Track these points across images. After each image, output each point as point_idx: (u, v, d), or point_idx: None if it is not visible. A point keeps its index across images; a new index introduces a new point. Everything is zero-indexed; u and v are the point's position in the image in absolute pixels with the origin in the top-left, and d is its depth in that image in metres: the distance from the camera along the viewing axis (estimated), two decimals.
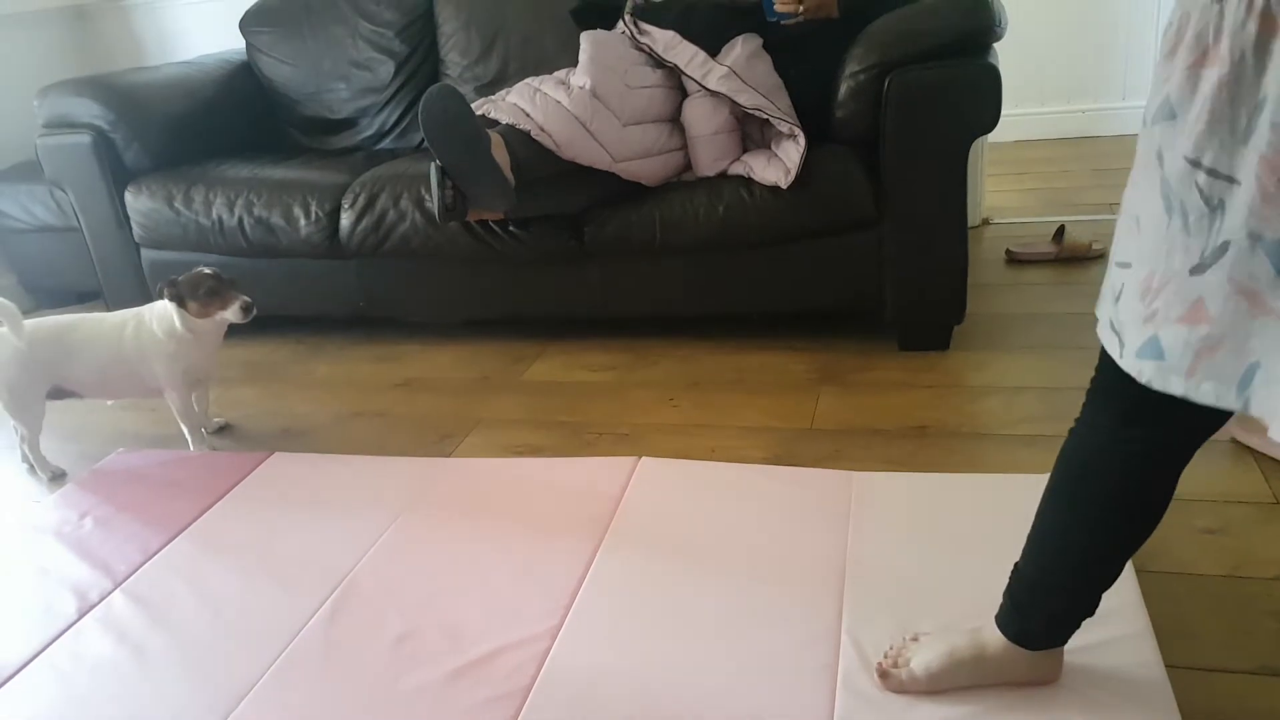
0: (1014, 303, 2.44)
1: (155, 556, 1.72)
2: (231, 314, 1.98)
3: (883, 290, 2.17)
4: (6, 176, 3.04)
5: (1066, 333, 2.23)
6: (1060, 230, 2.69)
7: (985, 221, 3.03)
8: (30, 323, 2.00)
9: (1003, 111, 2.02)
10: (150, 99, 2.77)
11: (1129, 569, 1.38)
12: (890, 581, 1.44)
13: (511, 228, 2.31)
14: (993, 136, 2.18)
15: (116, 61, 3.59)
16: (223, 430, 2.25)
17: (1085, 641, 1.22)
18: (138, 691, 1.40)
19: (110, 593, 1.63)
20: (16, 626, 1.57)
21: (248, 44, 3.07)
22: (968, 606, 1.33)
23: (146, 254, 2.70)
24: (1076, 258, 2.64)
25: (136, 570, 1.68)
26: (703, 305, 2.34)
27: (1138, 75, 3.73)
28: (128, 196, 2.65)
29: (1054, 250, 2.66)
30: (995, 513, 1.57)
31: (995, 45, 2.09)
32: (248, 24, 3.06)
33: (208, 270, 2.01)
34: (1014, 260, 2.70)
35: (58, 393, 2.07)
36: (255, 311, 1.99)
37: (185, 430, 2.13)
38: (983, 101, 2.00)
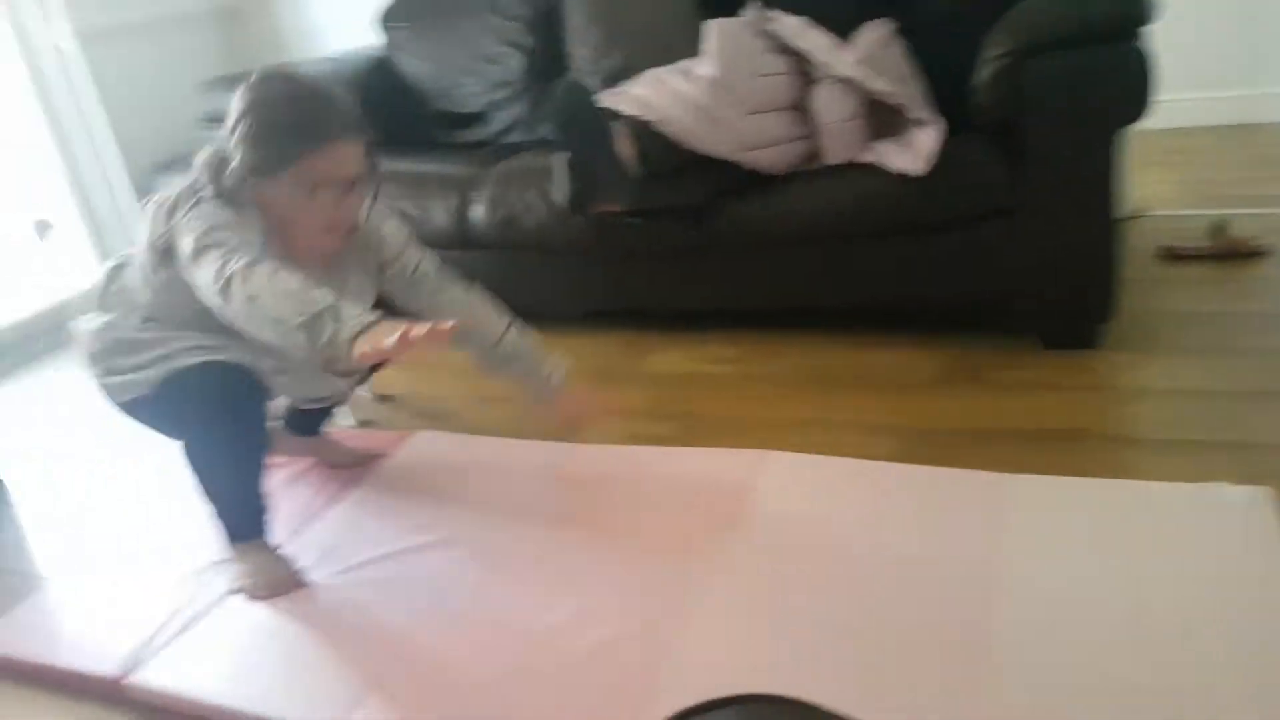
0: (1168, 301, 2.29)
1: (315, 522, 1.82)
2: None
3: (1024, 284, 2.06)
4: (168, 168, 3.22)
5: (1226, 334, 2.07)
6: (1219, 224, 2.50)
7: (1136, 214, 2.85)
8: None
9: (1156, 98, 1.89)
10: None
11: None
12: (1037, 597, 1.36)
13: (635, 219, 2.31)
14: (1145, 123, 2.04)
15: (263, 58, 3.77)
16: (383, 400, 2.36)
17: None
18: (293, 650, 1.48)
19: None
20: (179, 587, 1.68)
21: (386, 40, 3.17)
22: (1120, 629, 1.26)
23: None
24: (1237, 254, 2.45)
25: (296, 535, 1.78)
26: (828, 297, 2.28)
27: None
28: None
29: (1212, 246, 2.48)
30: (1150, 524, 1.47)
31: (1148, 28, 1.96)
32: (387, 20, 3.16)
33: None
34: (1168, 256, 2.53)
35: None
36: None
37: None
38: (1131, 89, 1.87)
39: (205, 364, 1.49)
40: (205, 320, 1.46)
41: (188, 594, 1.65)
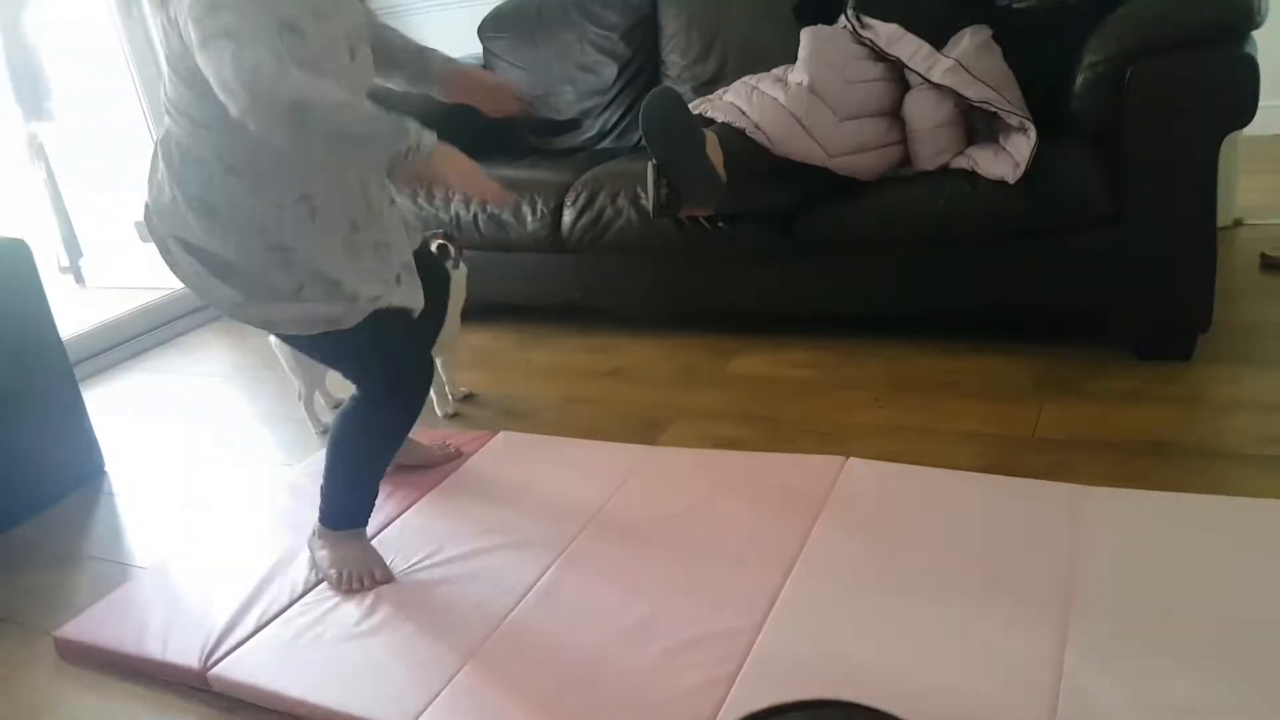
0: (1269, 312, 2.23)
1: (395, 521, 1.87)
2: (434, 249, 2.05)
3: (1118, 293, 2.04)
4: None
5: None
6: None
7: (1237, 222, 2.77)
8: None
9: (1264, 103, 1.85)
10: (397, 100, 2.99)
11: None
12: (1121, 614, 1.34)
13: (722, 224, 2.35)
14: (1250, 130, 1.99)
15: None
16: (467, 399, 2.43)
17: None
18: (372, 646, 1.53)
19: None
20: (266, 581, 1.74)
21: (484, 49, 3.27)
22: (1207, 651, 1.24)
23: None
24: None
25: (379, 533, 1.83)
26: (917, 303, 2.28)
27: None
28: None
29: None
30: (1244, 541, 1.45)
31: (1255, 33, 1.92)
32: (485, 30, 3.26)
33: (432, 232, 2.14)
34: (1269, 266, 2.45)
35: None
36: (452, 252, 2.10)
37: (431, 395, 2.31)
38: (1235, 95, 1.83)
39: (412, 340, 1.56)
40: (286, 174, 1.43)
41: (274, 587, 1.70)
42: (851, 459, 1.83)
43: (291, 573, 1.74)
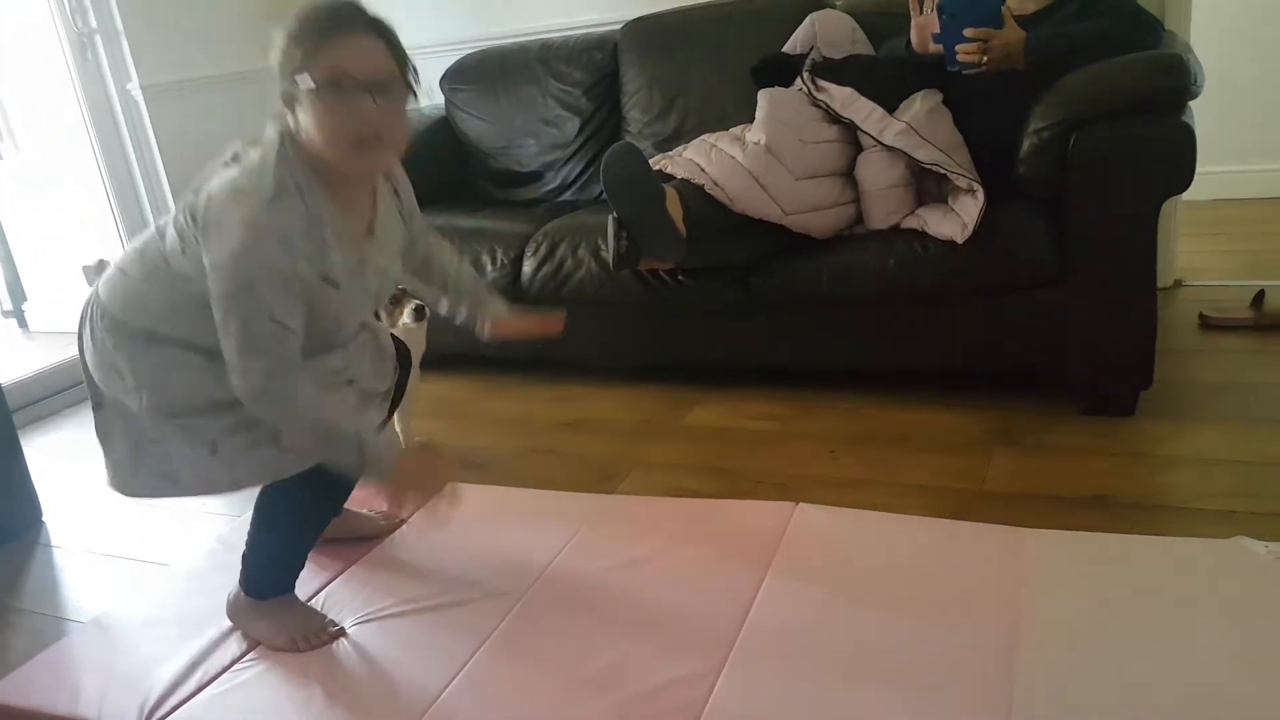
0: (1207, 370, 2.30)
1: (343, 574, 1.84)
2: (407, 316, 2.13)
3: (1064, 352, 2.10)
4: None
5: (1266, 404, 2.08)
6: (1260, 295, 2.52)
7: (1177, 283, 2.87)
8: None
9: (1201, 169, 1.93)
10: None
11: None
12: (1064, 650, 1.38)
13: (681, 277, 2.38)
14: (1189, 194, 2.08)
15: None
16: None
17: None
18: (321, 704, 1.50)
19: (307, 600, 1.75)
20: (209, 638, 1.69)
21: (446, 100, 3.30)
22: (1152, 683, 1.28)
23: None
24: (1277, 325, 2.47)
25: (325, 587, 1.80)
26: (870, 359, 2.32)
27: None
28: None
29: (1252, 316, 2.50)
30: (1182, 580, 1.50)
31: (1193, 102, 2.01)
32: (448, 81, 3.29)
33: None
34: (1208, 325, 2.54)
35: None
36: (428, 314, 2.14)
37: None
38: (1175, 162, 1.92)
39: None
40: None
41: (216, 644, 1.65)
42: (801, 504, 1.85)
43: (229, 634, 1.69)
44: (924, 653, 1.42)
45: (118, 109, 3.34)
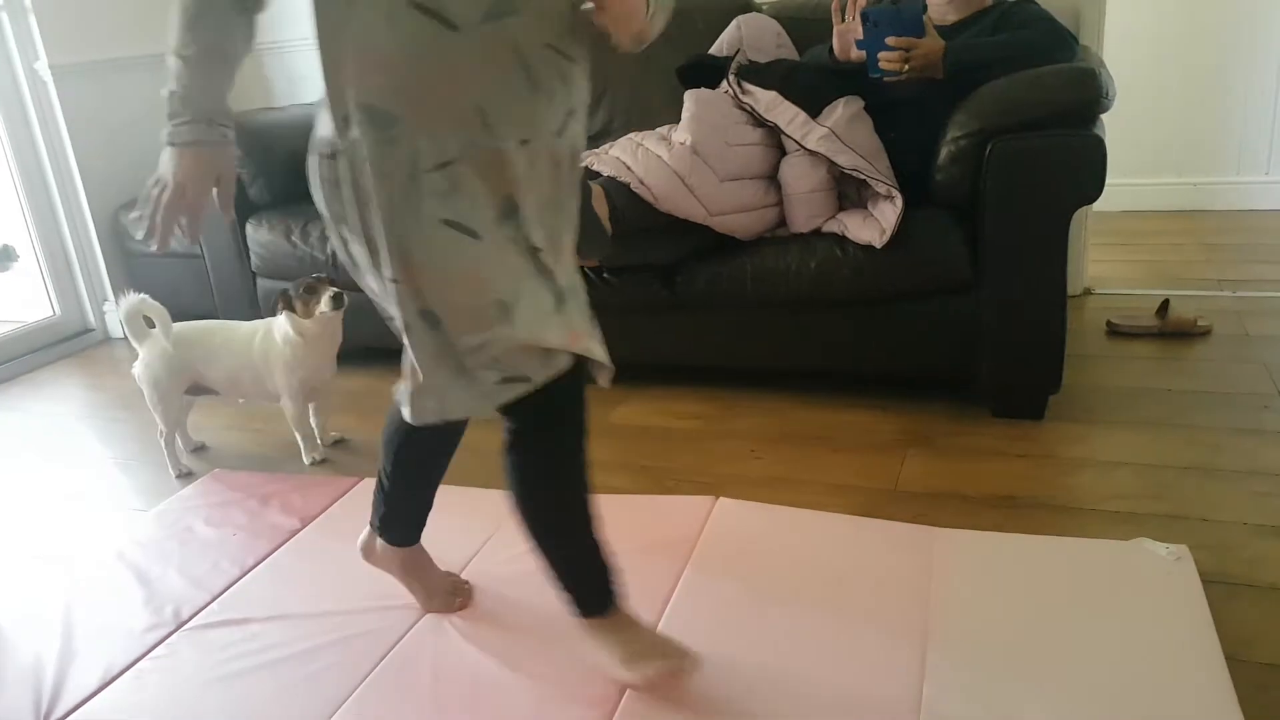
0: (1114, 376, 2.39)
1: (247, 575, 1.80)
2: (324, 304, 2.12)
3: (977, 355, 2.15)
4: (131, 208, 3.25)
5: (1169, 410, 2.17)
6: (1165, 304, 2.62)
7: (1087, 291, 2.97)
8: (177, 325, 2.22)
9: (1111, 181, 2.00)
10: (277, 138, 2.95)
11: (1221, 661, 1.33)
12: (972, 646, 1.42)
13: (606, 274, 2.37)
14: (1099, 205, 2.15)
15: (249, 101, 3.82)
16: (338, 444, 2.38)
17: None
18: (227, 702, 1.46)
19: (206, 606, 1.71)
20: (114, 636, 1.65)
21: None
22: (1055, 677, 1.32)
23: (262, 283, 2.86)
24: (1181, 333, 2.57)
25: (230, 587, 1.76)
26: (791, 360, 2.35)
27: (1253, 150, 3.63)
28: (249, 228, 2.82)
29: (1157, 324, 2.60)
30: (1083, 578, 1.55)
31: (1104, 116, 2.08)
32: None
33: (310, 276, 2.18)
34: (1115, 332, 2.63)
35: (196, 389, 2.28)
36: (346, 301, 2.13)
37: (299, 439, 2.27)
38: (1085, 173, 1.98)
39: None
40: None
41: (120, 640, 1.61)
42: (721, 499, 1.88)
43: (138, 626, 1.65)
44: (836, 650, 1.44)
45: (25, 90, 3.20)
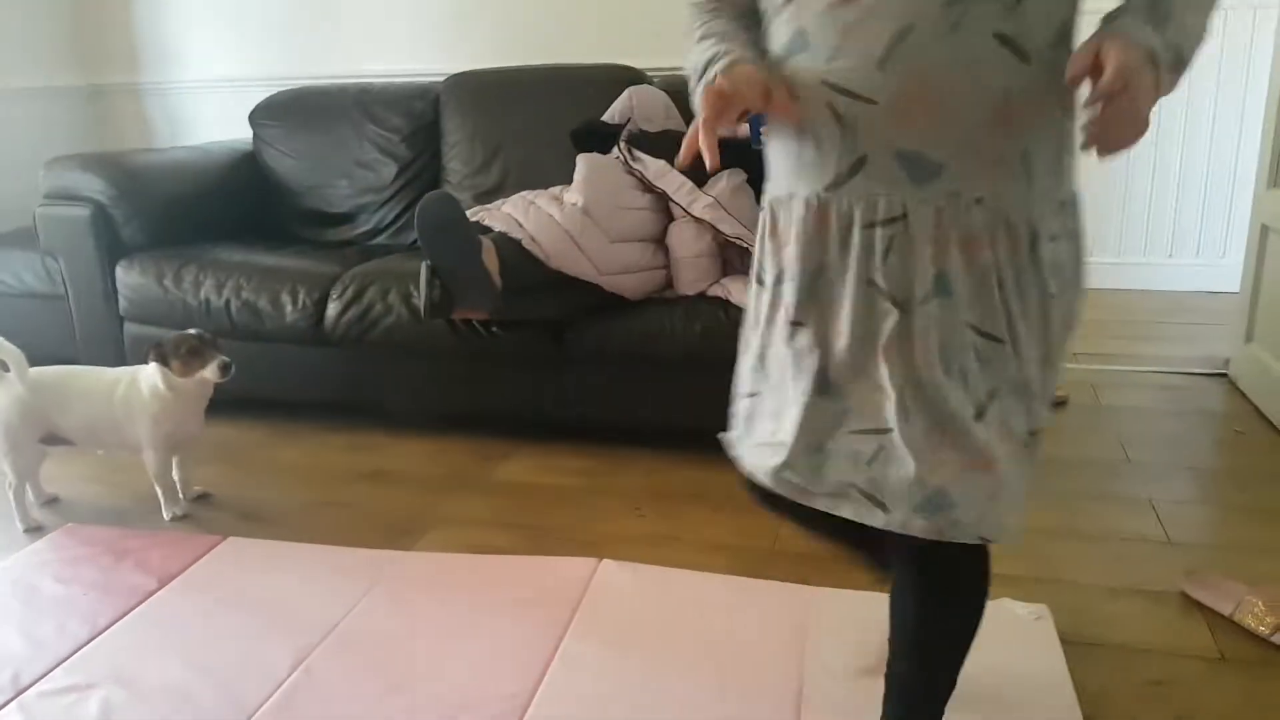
0: None
1: (98, 638, 1.68)
2: (210, 372, 2.03)
3: None
4: (7, 243, 3.08)
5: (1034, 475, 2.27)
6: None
7: None
8: (34, 370, 2.08)
9: None
10: (154, 179, 2.85)
11: (1078, 715, 1.40)
12: (845, 708, 1.44)
13: (495, 329, 2.37)
14: None
15: (127, 141, 3.70)
16: (201, 498, 2.26)
17: None
18: None
19: (49, 672, 1.59)
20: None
21: (255, 135, 3.18)
22: None
23: (130, 327, 2.73)
24: (1060, 402, 2.71)
25: (78, 651, 1.65)
26: (675, 418, 2.38)
27: (1102, 236, 3.91)
28: (119, 271, 2.70)
29: None
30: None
31: None
32: (258, 116, 3.17)
33: (193, 331, 2.09)
34: None
35: (51, 439, 2.13)
36: (233, 371, 2.05)
37: (160, 492, 2.15)
38: None
39: None
40: None
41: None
42: (605, 561, 1.87)
43: None
44: (716, 714, 1.44)
45: None
